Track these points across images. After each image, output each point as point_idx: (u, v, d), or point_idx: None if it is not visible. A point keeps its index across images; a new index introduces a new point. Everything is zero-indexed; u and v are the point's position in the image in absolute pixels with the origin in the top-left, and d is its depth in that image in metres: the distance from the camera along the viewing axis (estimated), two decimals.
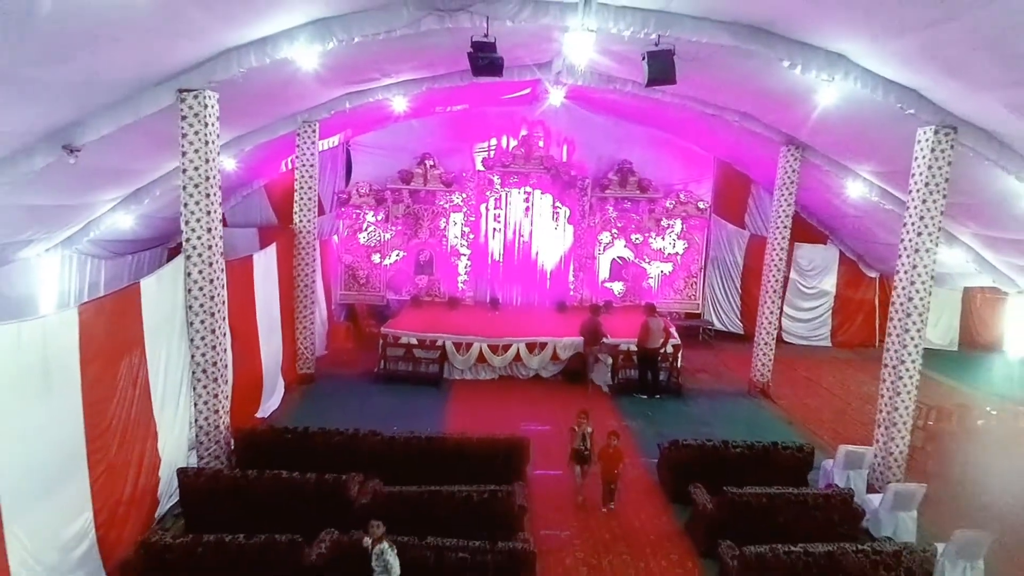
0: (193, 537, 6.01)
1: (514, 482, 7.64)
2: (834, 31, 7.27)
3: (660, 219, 16.12)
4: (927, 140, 8.08)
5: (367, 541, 5.56)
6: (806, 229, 16.54)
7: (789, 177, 12.27)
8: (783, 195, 12.38)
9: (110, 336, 6.44)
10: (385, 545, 5.40)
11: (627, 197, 16.04)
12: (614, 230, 16.16)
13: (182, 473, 7.17)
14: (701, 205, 16.19)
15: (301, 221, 12.21)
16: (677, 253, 16.34)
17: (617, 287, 16.32)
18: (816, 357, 16.04)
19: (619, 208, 16.11)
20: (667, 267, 16.38)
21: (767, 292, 12.82)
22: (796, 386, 13.65)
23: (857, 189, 12.21)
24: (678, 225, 16.19)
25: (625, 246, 16.25)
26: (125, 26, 5.49)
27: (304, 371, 12.47)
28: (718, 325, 16.95)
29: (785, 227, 12.55)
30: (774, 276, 12.73)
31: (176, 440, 7.79)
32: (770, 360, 12.94)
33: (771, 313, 12.84)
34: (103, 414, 6.27)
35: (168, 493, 7.54)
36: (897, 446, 8.55)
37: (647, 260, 16.30)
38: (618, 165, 15.96)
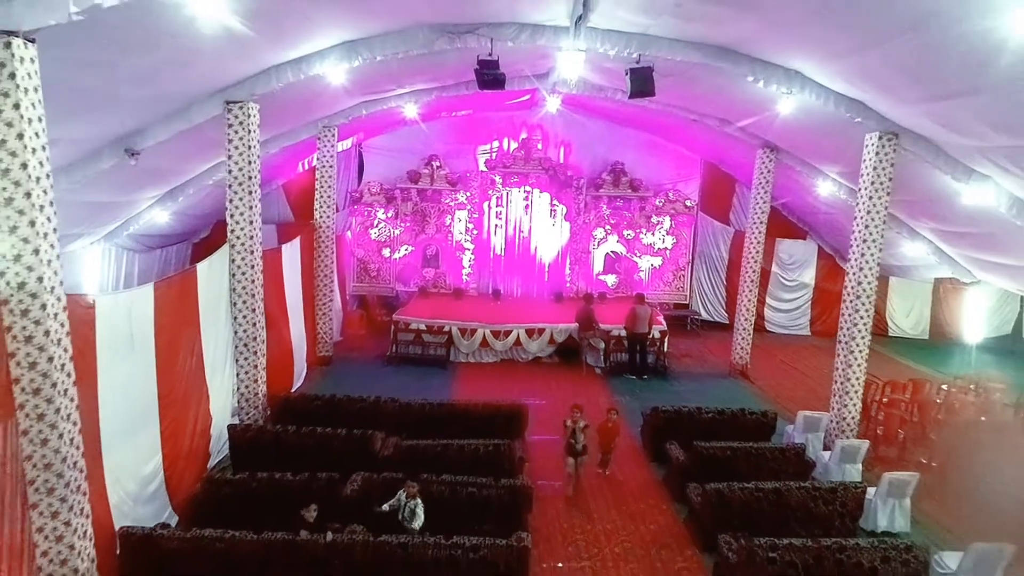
0: (249, 474, 7.23)
1: (515, 440, 8.86)
2: (789, 52, 8.46)
3: (650, 216, 17.32)
4: (873, 145, 9.30)
5: (401, 497, 6.71)
6: (786, 225, 17.79)
7: (765, 177, 13.49)
8: (759, 194, 13.60)
9: (175, 311, 7.66)
10: (418, 500, 6.61)
11: (619, 196, 17.24)
12: (607, 226, 17.37)
13: (232, 428, 8.42)
14: (688, 203, 17.40)
15: (321, 217, 13.43)
16: (666, 248, 17.54)
17: (610, 279, 17.53)
18: (796, 345, 17.23)
19: (612, 206, 17.32)
20: (657, 261, 17.60)
21: (745, 282, 14.05)
22: (774, 370, 14.85)
23: (827, 188, 13.44)
24: (667, 222, 17.39)
25: (618, 241, 17.45)
26: (199, 52, 6.73)
27: (323, 353, 13.70)
28: (704, 315, 18.16)
29: (761, 223, 13.77)
30: (751, 268, 13.95)
31: (222, 405, 9.02)
32: (748, 344, 14.16)
33: (749, 301, 14.07)
34: (170, 375, 7.50)
35: (216, 449, 8.76)
36: (849, 412, 9.77)
37: (638, 254, 17.52)
38: (611, 166, 17.18)
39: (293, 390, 11.68)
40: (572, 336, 14.32)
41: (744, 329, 14.12)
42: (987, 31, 5.46)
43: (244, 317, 9.30)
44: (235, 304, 9.25)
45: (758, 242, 13.87)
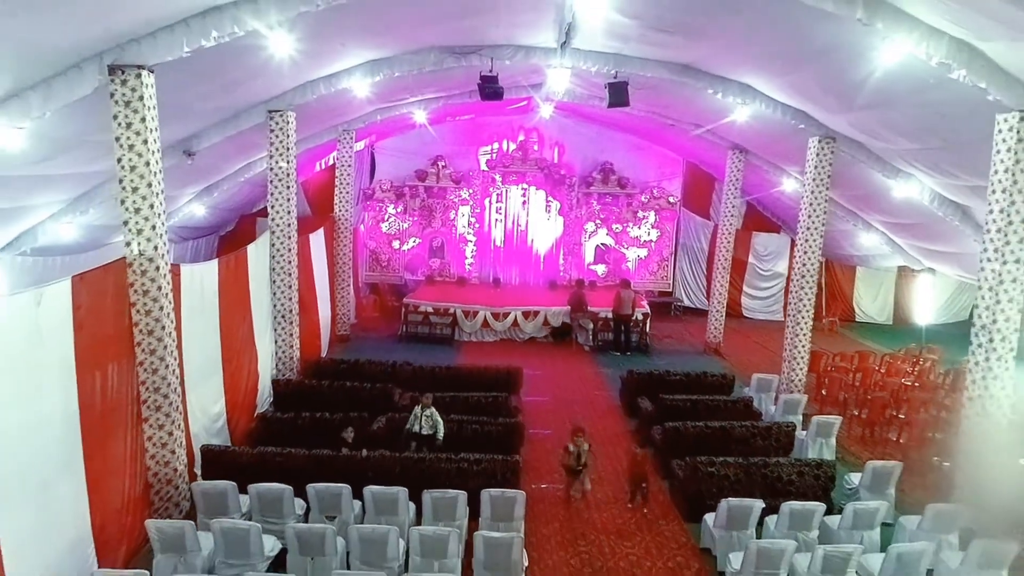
0: (294, 414, 8.93)
1: (511, 394, 10.54)
2: (740, 70, 10.13)
3: (637, 211, 19.01)
4: (814, 148, 10.98)
5: (416, 411, 8.40)
6: (762, 220, 19.48)
7: (735, 176, 15.18)
8: (730, 190, 15.29)
9: (233, 283, 9.36)
10: (433, 409, 8.29)
11: (608, 193, 18.93)
12: (597, 221, 19.06)
13: (275, 382, 10.14)
14: (671, 199, 19.09)
15: (340, 211, 15.12)
16: (651, 240, 19.23)
17: (600, 269, 19.22)
18: (769, 329, 18.81)
19: (602, 202, 19.01)
20: (643, 252, 19.28)
21: (718, 270, 15.74)
22: (746, 349, 16.51)
23: (791, 185, 15.11)
24: (652, 216, 19.08)
25: (607, 234, 19.15)
26: (258, 74, 8.41)
27: (342, 332, 15.39)
28: (687, 302, 19.84)
29: (732, 216, 15.46)
30: (724, 257, 15.64)
31: (266, 365, 10.71)
32: (721, 325, 15.84)
33: (722, 287, 15.75)
34: (229, 335, 9.19)
35: (261, 402, 10.44)
36: (796, 374, 11.47)
37: (626, 246, 19.20)
38: (601, 166, 18.87)
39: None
40: (565, 320, 15.99)
41: (717, 312, 15.80)
42: (872, 59, 7.13)
43: (282, 292, 10.98)
44: (274, 281, 10.94)
45: (729, 234, 15.55)
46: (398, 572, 5.92)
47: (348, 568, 6.04)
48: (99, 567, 5.84)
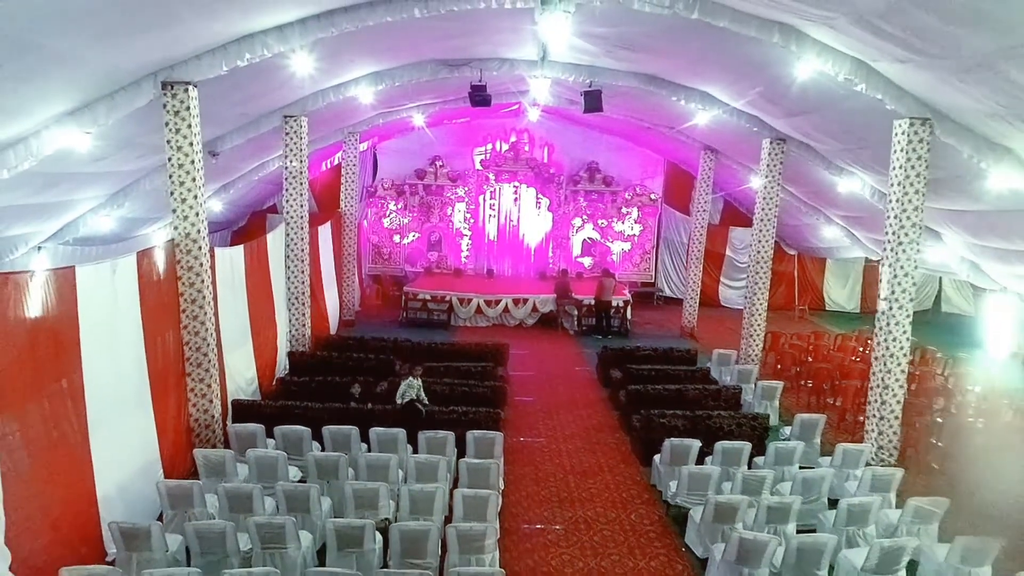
0: (309, 378, 10.36)
1: (498, 365, 11.98)
2: (699, 80, 11.51)
3: (620, 208, 20.42)
4: (767, 148, 12.41)
5: (411, 382, 9.77)
6: (738, 215, 20.86)
7: (706, 174, 16.60)
8: (702, 187, 16.71)
9: (256, 266, 10.80)
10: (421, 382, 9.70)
11: (594, 190, 20.35)
12: (584, 216, 20.48)
13: (291, 353, 11.57)
14: (653, 196, 20.52)
15: (346, 206, 16.55)
16: (634, 235, 20.64)
17: (587, 261, 20.64)
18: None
19: (588, 199, 20.43)
20: (627, 246, 20.70)
21: (693, 260, 17.17)
22: (719, 333, 17.85)
23: (758, 182, 16.48)
24: (635, 212, 20.48)
25: (593, 229, 20.57)
26: (282, 86, 9.84)
27: (347, 318, 16.82)
28: (668, 292, 21.25)
29: (704, 211, 16.89)
30: (697, 248, 17.07)
31: (282, 340, 12.15)
32: (695, 311, 17.25)
33: (696, 276, 17.17)
34: (255, 309, 10.64)
35: (279, 370, 11.87)
36: (753, 349, 12.90)
37: (610, 240, 20.62)
38: (587, 165, 20.30)
39: None
40: (551, 307, 17.43)
41: (692, 299, 17.22)
42: (795, 74, 8.52)
43: (295, 276, 12.41)
44: (288, 267, 12.37)
45: (702, 228, 16.99)
46: (397, 487, 7.33)
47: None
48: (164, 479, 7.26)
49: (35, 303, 5.67)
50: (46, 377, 5.89)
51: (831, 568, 6.32)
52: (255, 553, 5.97)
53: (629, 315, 17.60)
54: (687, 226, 21.02)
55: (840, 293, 21.25)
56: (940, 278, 20.46)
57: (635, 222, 20.58)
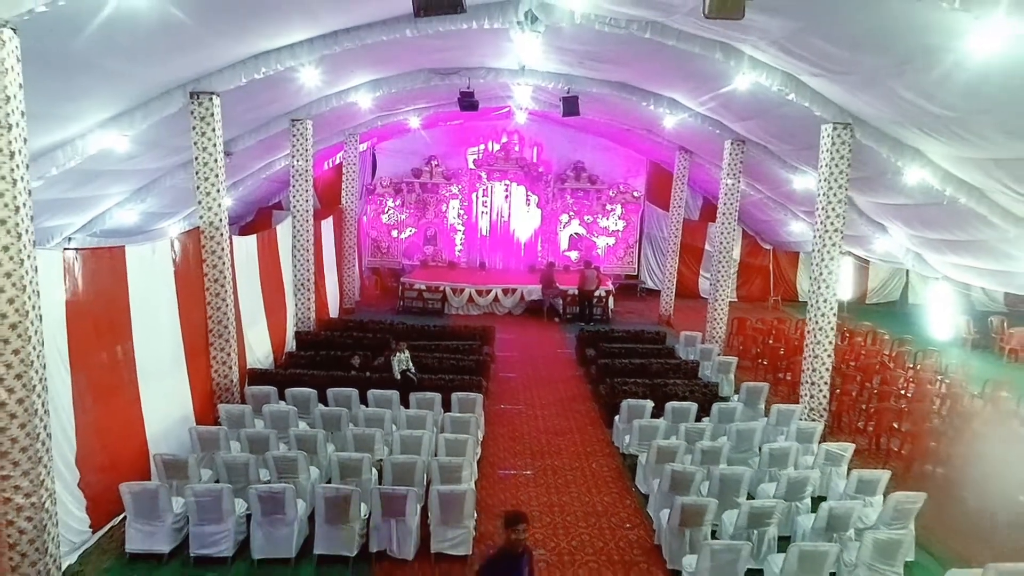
0: (313, 352, 11.67)
1: (484, 344, 13.29)
2: (666, 87, 12.80)
3: (605, 204, 21.72)
4: (728, 149, 13.71)
5: (400, 358, 11.07)
6: (716, 211, 22.12)
7: (682, 173, 17.91)
8: (678, 185, 18.01)
9: (267, 253, 12.10)
10: (408, 354, 10.98)
11: (580, 188, 21.66)
12: (571, 212, 21.79)
13: (298, 333, 12.86)
14: (636, 194, 21.82)
15: (347, 203, 17.86)
16: (618, 230, 21.94)
17: (574, 255, 21.94)
18: None
19: (575, 196, 21.73)
20: (611, 240, 22.00)
21: (669, 253, 18.46)
22: (696, 322, 18.91)
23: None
24: (619, 209, 21.79)
25: (579, 224, 21.87)
26: (294, 95, 11.15)
27: (347, 306, 18.12)
28: (650, 284, 22.53)
29: (680, 207, 18.18)
30: (673, 242, 18.36)
31: (290, 321, 13.45)
32: (672, 301, 18.54)
33: (672, 268, 18.46)
34: (268, 292, 11.95)
35: (288, 347, 13.17)
36: (718, 332, 14.18)
37: (596, 235, 21.92)
38: (574, 164, 21.61)
39: None
40: (537, 297, 18.73)
41: (668, 289, 18.52)
42: (737, 84, 9.82)
43: (301, 265, 13.71)
44: (295, 257, 13.67)
45: (678, 223, 18.29)
46: (391, 435, 8.62)
47: None
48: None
49: (104, 275, 7.01)
50: (106, 338, 7.22)
51: (750, 496, 7.63)
52: (272, 481, 7.27)
53: (611, 304, 18.88)
54: (668, 222, 22.36)
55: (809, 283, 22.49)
56: (907, 271, 21.78)
57: (619, 218, 21.88)
